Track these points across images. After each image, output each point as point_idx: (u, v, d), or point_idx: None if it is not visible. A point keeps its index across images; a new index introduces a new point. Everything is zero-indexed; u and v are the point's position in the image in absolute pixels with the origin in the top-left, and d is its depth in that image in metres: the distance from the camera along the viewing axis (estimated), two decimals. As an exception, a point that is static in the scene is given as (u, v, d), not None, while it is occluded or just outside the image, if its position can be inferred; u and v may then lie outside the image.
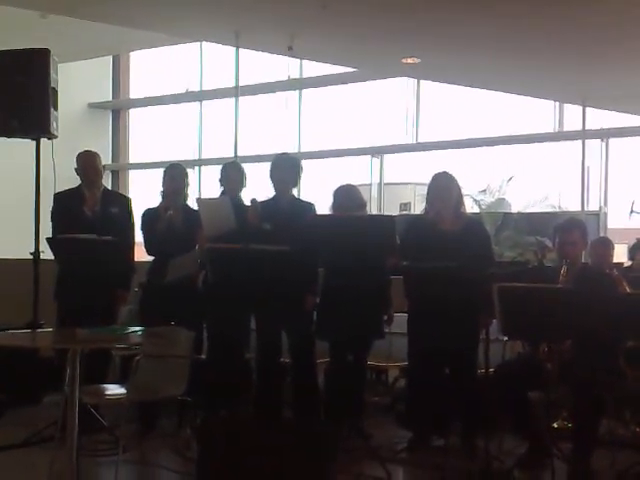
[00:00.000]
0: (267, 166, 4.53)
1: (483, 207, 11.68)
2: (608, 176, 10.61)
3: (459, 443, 4.18)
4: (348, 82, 11.84)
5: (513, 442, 4.07)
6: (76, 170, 4.64)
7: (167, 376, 3.84)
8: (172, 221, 4.48)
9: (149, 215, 4.55)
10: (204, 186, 12.06)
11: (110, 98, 14.12)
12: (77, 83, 11.79)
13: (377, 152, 12.02)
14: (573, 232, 3.99)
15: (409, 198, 11.55)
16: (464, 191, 4.46)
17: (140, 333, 3.70)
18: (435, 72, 8.05)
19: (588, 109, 8.75)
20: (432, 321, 4.06)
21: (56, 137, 4.75)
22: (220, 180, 4.69)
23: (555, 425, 4.37)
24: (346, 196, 4.43)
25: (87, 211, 4.52)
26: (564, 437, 4.06)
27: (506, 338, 4.40)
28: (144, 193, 4.86)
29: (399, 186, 12.27)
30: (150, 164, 12.97)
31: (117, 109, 14.26)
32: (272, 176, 4.47)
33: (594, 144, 10.20)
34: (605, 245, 4.93)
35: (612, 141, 10.58)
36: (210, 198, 4.97)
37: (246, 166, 4.80)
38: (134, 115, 14.38)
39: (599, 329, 3.47)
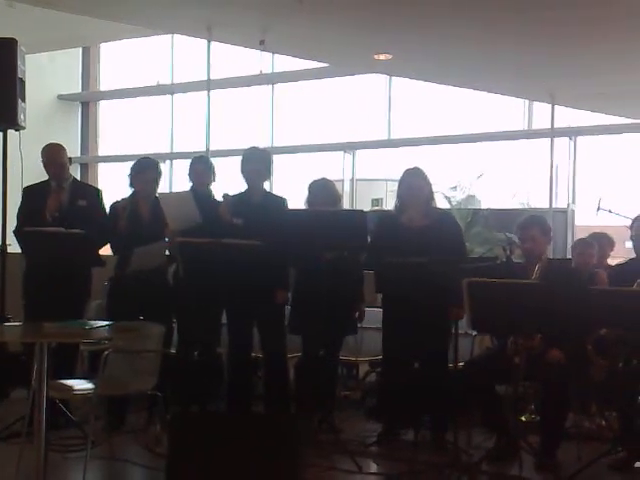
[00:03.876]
0: (239, 161, 4.51)
1: (454, 203, 11.78)
2: (576, 174, 10.78)
3: (428, 437, 4.22)
4: (321, 77, 11.84)
5: (482, 435, 4.12)
6: (43, 163, 4.57)
7: (137, 371, 3.82)
8: (138, 216, 4.43)
9: (115, 209, 4.50)
10: (176, 180, 11.99)
11: (80, 90, 13.94)
12: (46, 74, 11.62)
13: (349, 148, 12.04)
14: (532, 228, 4.05)
15: (381, 194, 11.61)
16: (435, 187, 4.49)
17: (108, 327, 3.67)
18: (407, 69, 8.09)
19: (557, 107, 8.86)
20: (404, 316, 4.09)
21: (23, 128, 4.67)
22: (189, 174, 4.66)
23: (523, 418, 4.43)
24: (321, 190, 4.44)
25: (54, 204, 4.44)
26: (532, 430, 4.13)
27: (475, 332, 4.46)
28: (113, 186, 4.79)
29: (371, 182, 12.32)
30: (120, 157, 12.85)
31: (87, 101, 14.10)
32: (243, 170, 4.45)
33: (562, 142, 10.35)
34: (586, 245, 5.00)
35: (580, 139, 10.75)
36: (171, 193, 4.94)
37: (218, 160, 4.78)
38: (104, 107, 14.22)
39: (565, 322, 3.53)
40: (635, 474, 3.70)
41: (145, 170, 4.48)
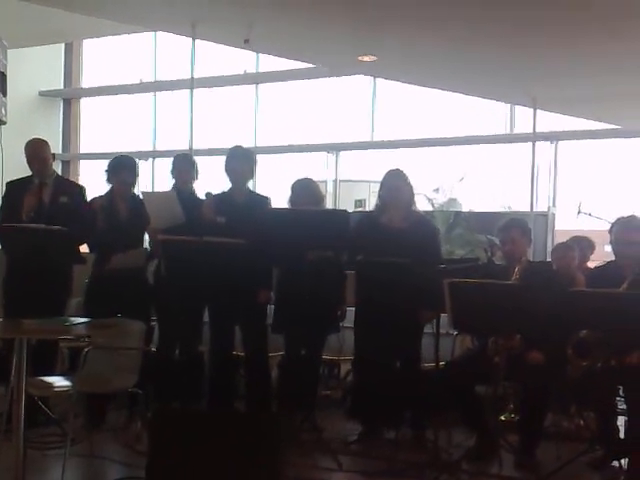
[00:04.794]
0: (222, 160, 4.50)
1: (436, 206, 11.85)
2: (557, 178, 10.88)
3: (409, 435, 4.23)
4: (305, 78, 11.86)
5: (462, 435, 4.15)
6: (26, 159, 4.53)
7: (117, 368, 3.80)
8: (116, 214, 4.40)
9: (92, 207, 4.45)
10: (158, 178, 11.94)
11: (62, 86, 13.84)
12: (28, 70, 11.53)
13: (333, 149, 12.07)
14: (512, 230, 4.10)
15: (364, 195, 11.64)
16: (418, 190, 4.52)
17: (88, 324, 3.65)
18: (391, 71, 8.11)
19: (538, 112, 8.94)
20: (378, 316, 4.11)
21: (4, 123, 4.64)
22: (171, 172, 4.64)
23: (502, 418, 4.47)
24: (304, 190, 4.44)
25: (29, 204, 4.38)
26: (511, 429, 4.17)
27: (456, 332, 4.49)
28: (95, 184, 4.75)
29: (354, 183, 12.35)
30: (102, 155, 12.76)
31: (69, 98, 13.99)
32: (227, 168, 4.44)
33: (544, 146, 10.45)
34: (567, 249, 5.06)
35: (561, 144, 10.86)
36: (155, 192, 4.92)
37: (201, 159, 4.77)
38: (86, 104, 14.12)
39: (544, 323, 3.57)
40: (612, 472, 3.74)
41: (122, 168, 4.45)
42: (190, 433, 3.22)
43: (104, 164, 4.57)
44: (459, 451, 4.00)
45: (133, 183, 4.50)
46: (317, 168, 11.92)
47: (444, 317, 3.81)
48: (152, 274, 4.57)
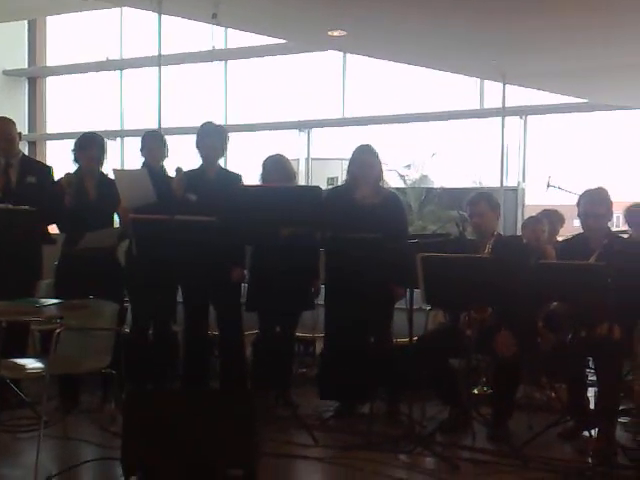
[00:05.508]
0: (192, 138, 4.44)
1: (408, 182, 11.90)
2: (526, 153, 10.97)
3: (384, 409, 4.28)
4: (275, 54, 11.75)
5: (435, 408, 4.20)
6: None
7: (90, 349, 3.77)
8: (84, 192, 4.34)
9: (59, 185, 4.38)
10: (127, 158, 11.79)
11: (26, 65, 13.56)
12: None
13: (304, 126, 12.01)
14: (480, 204, 4.12)
15: (336, 173, 11.62)
16: (390, 166, 4.53)
17: (59, 306, 3.60)
18: (361, 46, 8.05)
19: (508, 87, 8.97)
20: (349, 292, 4.13)
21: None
22: (141, 150, 4.57)
23: (475, 391, 4.52)
24: (276, 166, 4.42)
25: (1, 181, 4.31)
26: (484, 402, 4.23)
27: (429, 307, 4.52)
28: (62, 165, 4.66)
29: (326, 161, 12.33)
30: (69, 134, 12.54)
31: (34, 77, 13.73)
32: (198, 144, 4.39)
33: (513, 121, 10.50)
34: (536, 222, 5.11)
35: (530, 118, 10.92)
36: (127, 169, 4.84)
37: (171, 138, 4.70)
38: (51, 83, 13.86)
39: (515, 296, 3.61)
40: (583, 442, 3.82)
41: (89, 144, 4.37)
42: (164, 413, 3.21)
43: (71, 144, 4.49)
44: (433, 424, 4.05)
45: (101, 160, 4.42)
46: (289, 146, 11.86)
47: (417, 293, 3.83)
48: (124, 254, 4.52)
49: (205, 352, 4.49)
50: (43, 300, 3.89)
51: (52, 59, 13.71)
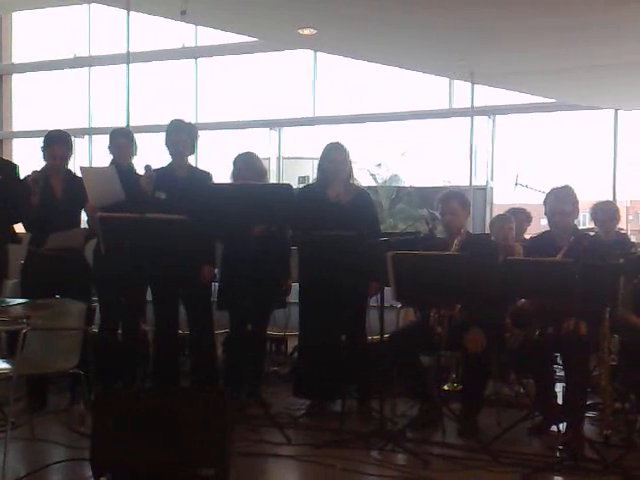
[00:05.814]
0: (161, 136, 4.41)
1: (379, 181, 11.95)
2: (494, 152, 11.09)
3: (355, 406, 4.29)
4: (246, 52, 11.71)
5: (406, 404, 4.23)
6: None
7: (57, 349, 3.72)
8: (51, 190, 4.28)
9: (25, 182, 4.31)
10: (95, 156, 11.66)
11: (-9, 62, 13.33)
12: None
13: (275, 125, 11.99)
14: (451, 202, 4.16)
15: (308, 172, 11.64)
16: (361, 165, 4.55)
17: (26, 305, 3.55)
18: (331, 45, 8.06)
19: (476, 87, 9.05)
20: (321, 290, 4.13)
21: None
22: (109, 147, 4.53)
23: (445, 387, 4.56)
24: (247, 164, 4.41)
25: None
26: (454, 398, 4.27)
27: (400, 305, 4.55)
28: (30, 164, 4.59)
29: (297, 160, 12.33)
30: (36, 132, 12.36)
31: (-1, 74, 13.50)
32: (168, 141, 4.35)
33: (482, 121, 10.61)
34: (504, 220, 5.18)
35: (499, 118, 11.05)
36: (94, 167, 4.78)
37: (139, 136, 4.66)
38: (18, 81, 13.64)
39: (483, 293, 3.65)
40: (551, 437, 3.88)
41: (54, 141, 4.31)
42: (134, 413, 3.19)
43: (38, 142, 4.42)
44: (404, 420, 4.08)
45: (67, 157, 4.36)
46: (260, 145, 11.83)
47: (388, 291, 3.86)
48: (92, 253, 4.47)
49: (175, 351, 4.46)
50: (9, 300, 3.83)
51: (18, 56, 13.50)
